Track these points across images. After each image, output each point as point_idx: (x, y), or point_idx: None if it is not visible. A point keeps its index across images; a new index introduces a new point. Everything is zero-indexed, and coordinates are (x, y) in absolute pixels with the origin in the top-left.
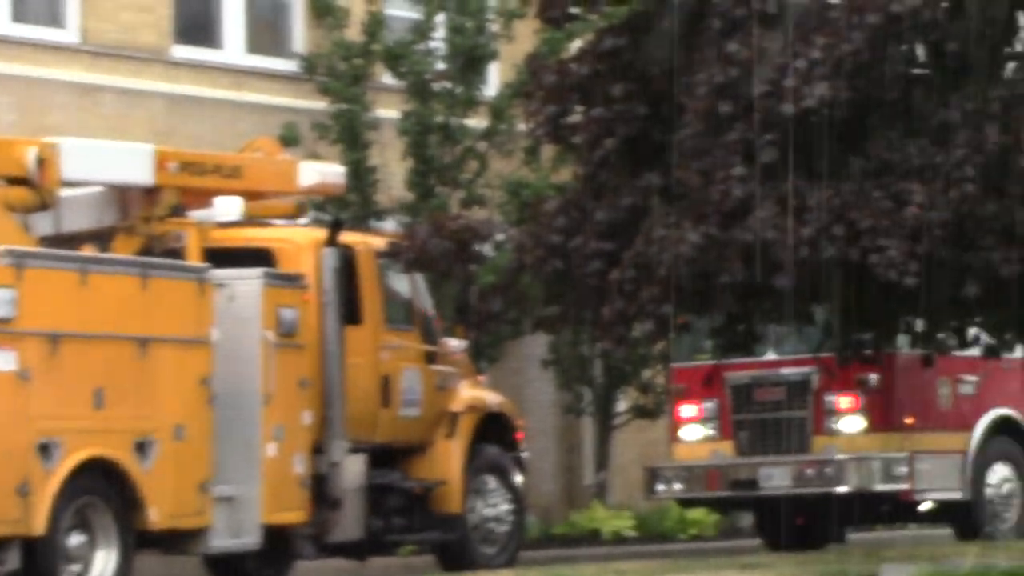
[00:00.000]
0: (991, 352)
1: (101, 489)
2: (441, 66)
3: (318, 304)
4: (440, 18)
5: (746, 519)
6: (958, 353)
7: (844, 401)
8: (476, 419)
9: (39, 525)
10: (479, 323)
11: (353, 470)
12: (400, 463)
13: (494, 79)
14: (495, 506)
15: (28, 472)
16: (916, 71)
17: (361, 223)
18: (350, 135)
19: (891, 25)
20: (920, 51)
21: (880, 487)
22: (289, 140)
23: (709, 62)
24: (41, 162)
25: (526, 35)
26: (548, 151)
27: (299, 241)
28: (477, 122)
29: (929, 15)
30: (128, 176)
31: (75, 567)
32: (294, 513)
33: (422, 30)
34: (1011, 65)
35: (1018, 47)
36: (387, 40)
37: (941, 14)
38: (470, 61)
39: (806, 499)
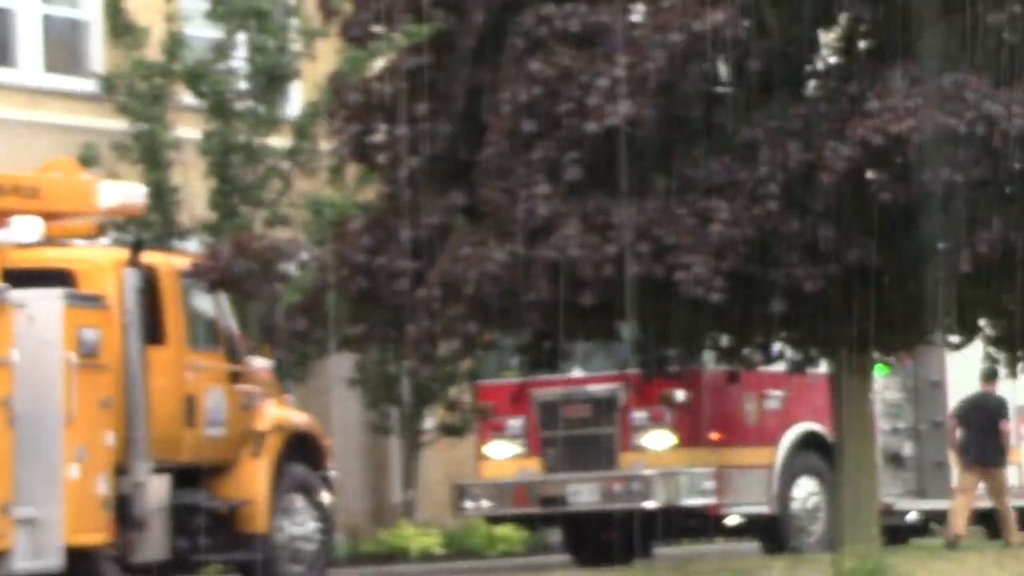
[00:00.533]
0: (796, 367)
1: None
2: (243, 85)
3: (120, 324)
4: (241, 37)
5: (555, 535)
6: (764, 369)
7: (650, 417)
8: (282, 438)
9: None
10: (284, 342)
11: (157, 490)
12: (205, 483)
13: (297, 98)
14: (302, 525)
15: None
16: (719, 89)
17: (163, 243)
18: (150, 155)
19: (693, 43)
20: (723, 69)
21: (687, 502)
22: (88, 160)
23: (512, 81)
24: None
25: (328, 54)
26: (352, 170)
27: (100, 261)
28: (280, 141)
29: (731, 33)
30: None
31: None
32: (97, 534)
33: (223, 49)
34: (812, 83)
35: (819, 65)
36: (187, 59)
37: (743, 32)
38: (272, 80)
39: (614, 515)
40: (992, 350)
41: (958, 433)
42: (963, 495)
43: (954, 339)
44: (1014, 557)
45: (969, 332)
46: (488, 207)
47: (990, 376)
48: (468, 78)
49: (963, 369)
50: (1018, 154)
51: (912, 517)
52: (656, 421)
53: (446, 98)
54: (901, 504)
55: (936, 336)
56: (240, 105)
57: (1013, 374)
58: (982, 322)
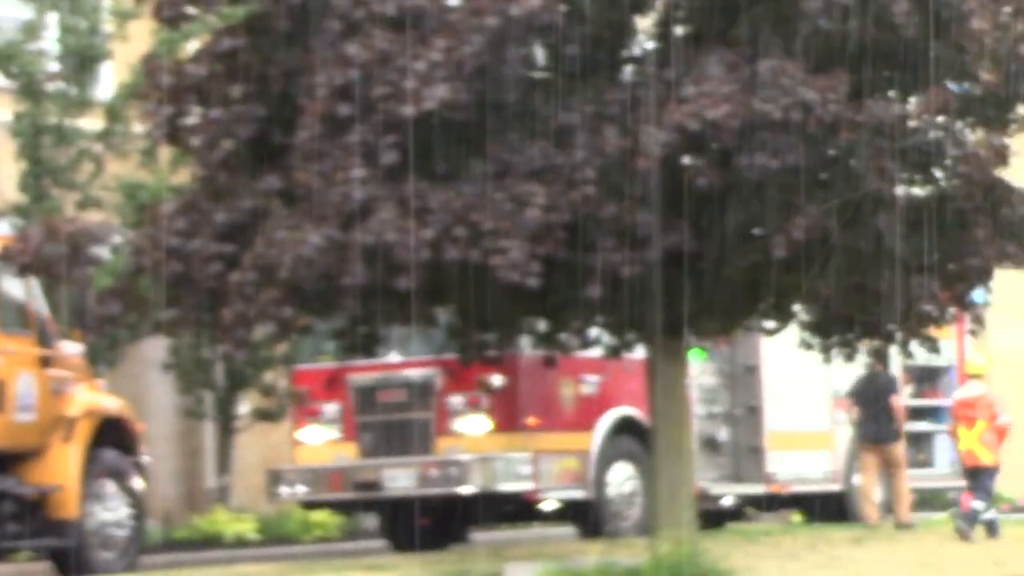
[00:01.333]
0: (612, 352)
1: None
2: (54, 66)
3: None
4: (52, 17)
5: (371, 521)
6: (580, 354)
7: (467, 402)
8: (93, 424)
9: None
10: (96, 327)
11: None
12: (15, 468)
13: (109, 80)
14: (114, 511)
15: None
16: (536, 74)
17: None
18: None
19: (510, 28)
20: (539, 54)
21: (504, 487)
22: None
23: (328, 64)
24: None
25: (141, 35)
26: (165, 153)
27: None
28: (92, 123)
29: (547, 18)
30: None
31: None
32: None
33: (33, 30)
34: (629, 68)
35: (636, 50)
36: None
37: (559, 17)
38: (84, 61)
39: (430, 500)
40: (807, 335)
41: (854, 413)
42: (867, 475)
43: (769, 324)
44: (827, 541)
45: (784, 318)
46: (303, 191)
47: (879, 356)
48: (284, 61)
49: (778, 354)
50: (833, 140)
51: (727, 502)
52: (473, 406)
53: (261, 80)
54: (717, 489)
55: (752, 321)
56: (51, 86)
57: (827, 359)
58: (797, 307)
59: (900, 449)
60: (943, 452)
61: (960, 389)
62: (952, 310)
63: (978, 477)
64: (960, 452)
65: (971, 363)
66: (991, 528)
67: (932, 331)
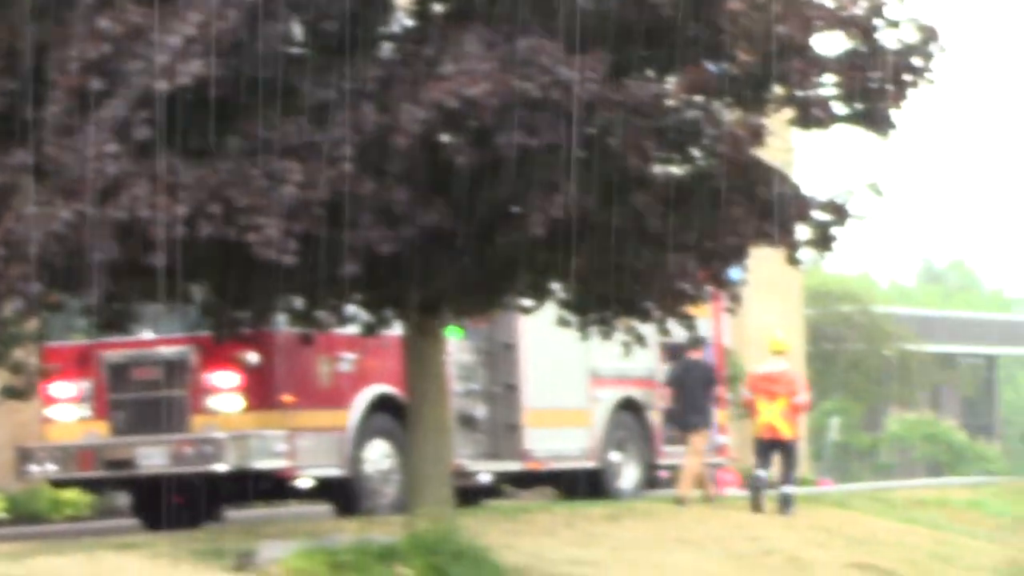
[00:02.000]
0: (369, 330)
1: None
2: None
3: None
4: None
5: (124, 499)
6: (337, 331)
7: (222, 380)
8: None
9: None
10: None
11: None
12: None
13: None
14: None
15: None
16: (293, 50)
17: None
18: None
19: (267, 3)
20: (297, 30)
21: (259, 465)
22: None
23: (80, 38)
24: None
25: None
26: None
27: None
28: None
29: None
30: None
31: None
32: None
33: None
34: (387, 45)
35: (394, 27)
36: None
37: None
38: None
39: (184, 478)
40: (565, 313)
41: (667, 399)
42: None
43: (527, 302)
44: (584, 517)
45: (542, 296)
46: (54, 166)
47: (696, 344)
48: (34, 34)
49: (536, 332)
50: (591, 119)
51: (485, 479)
52: (227, 384)
53: (10, 54)
54: (474, 466)
55: (510, 299)
56: None
57: (585, 337)
58: (555, 286)
59: (704, 437)
60: None
61: (762, 364)
62: (709, 288)
63: (780, 451)
64: (759, 425)
65: (774, 340)
66: (785, 502)
67: (689, 309)
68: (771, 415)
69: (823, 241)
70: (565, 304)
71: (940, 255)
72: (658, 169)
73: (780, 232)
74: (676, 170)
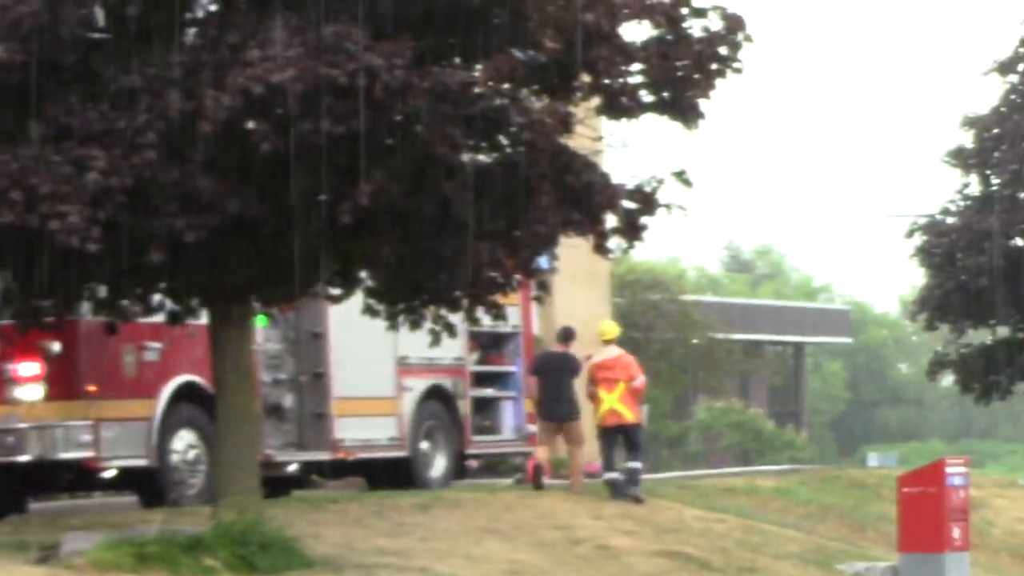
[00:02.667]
0: (175, 318)
1: None
2: None
3: None
4: None
5: None
6: (143, 320)
7: (24, 369)
8: None
9: None
10: None
11: None
12: None
13: None
14: None
15: None
16: (96, 35)
17: None
18: None
19: None
20: (100, 14)
21: (63, 455)
22: None
23: None
24: None
25: None
26: None
27: None
28: None
29: None
30: None
31: None
32: None
33: None
34: (192, 31)
35: (198, 12)
36: None
37: None
38: None
39: None
40: (373, 302)
41: (535, 390)
42: (545, 447)
43: (335, 291)
44: (393, 507)
45: (350, 284)
46: None
47: (565, 337)
48: None
49: (344, 321)
50: (398, 106)
51: (293, 469)
52: (30, 373)
53: None
54: (282, 456)
55: (317, 288)
56: None
57: (394, 327)
58: (363, 274)
59: (579, 426)
60: (509, 418)
61: (597, 353)
62: (517, 277)
63: (625, 435)
64: (603, 413)
65: (605, 327)
66: (632, 477)
67: (498, 297)
68: (613, 401)
69: (632, 229)
70: (373, 293)
71: (747, 243)
72: (466, 157)
73: (588, 220)
74: (484, 158)
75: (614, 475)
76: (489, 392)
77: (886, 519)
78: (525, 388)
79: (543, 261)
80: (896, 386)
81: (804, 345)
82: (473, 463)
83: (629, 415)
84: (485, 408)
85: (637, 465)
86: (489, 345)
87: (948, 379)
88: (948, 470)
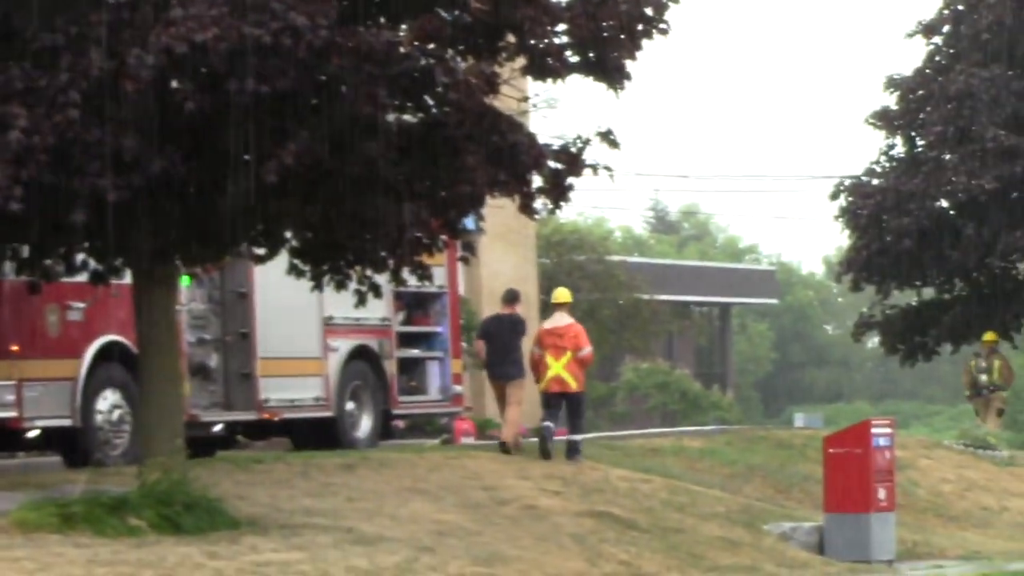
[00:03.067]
0: (98, 278)
1: None
2: None
3: None
4: None
5: None
6: (67, 279)
7: None
8: None
9: None
10: None
11: None
12: None
13: None
14: None
15: None
16: None
17: None
18: None
19: None
20: None
21: None
22: None
23: None
24: None
25: None
26: None
27: None
28: None
29: None
30: None
31: None
32: None
33: None
34: None
35: None
36: None
37: None
38: None
39: None
40: (298, 262)
41: (483, 352)
42: (498, 404)
43: (260, 251)
44: (319, 468)
45: (275, 244)
46: None
47: (511, 299)
48: None
49: (269, 280)
50: (323, 66)
51: (218, 429)
52: None
53: None
54: (208, 416)
55: (242, 248)
56: None
57: (319, 287)
58: (288, 234)
59: (522, 385)
60: (435, 378)
61: (549, 319)
62: (443, 237)
63: (568, 403)
64: (547, 380)
65: (558, 293)
66: (572, 449)
67: (424, 258)
68: (559, 368)
69: (557, 190)
70: (298, 253)
71: (673, 204)
72: (391, 117)
73: (514, 181)
74: (409, 118)
75: (547, 424)
76: (415, 352)
77: (812, 479)
78: (475, 351)
79: (469, 222)
80: (822, 347)
81: (730, 306)
82: (399, 423)
83: (574, 383)
84: (411, 369)
85: (577, 437)
86: (415, 306)
87: (874, 340)
88: (873, 431)
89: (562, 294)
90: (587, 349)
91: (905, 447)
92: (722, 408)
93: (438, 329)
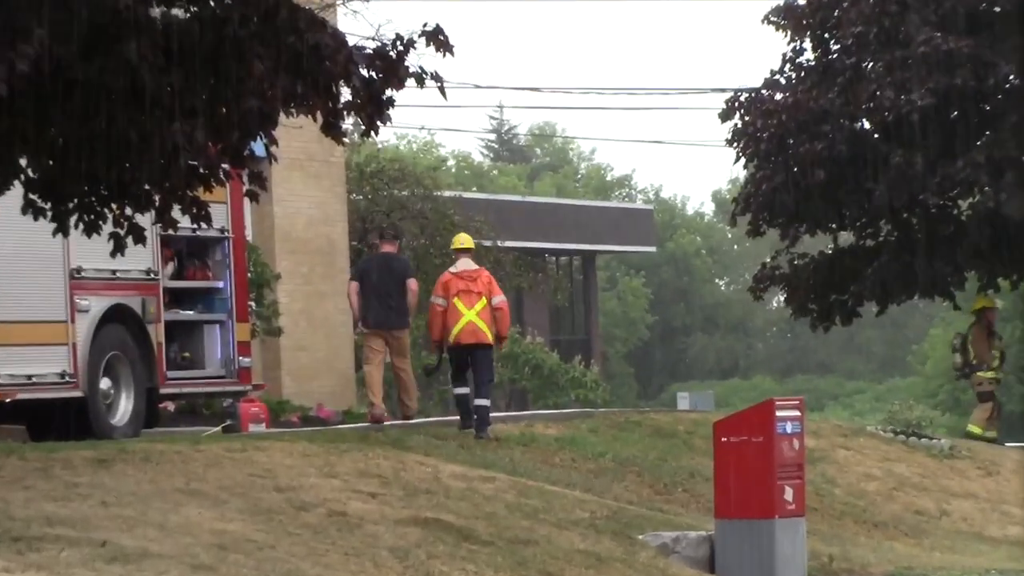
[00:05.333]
0: None
1: None
2: None
3: None
4: None
5: None
6: None
7: None
8: None
9: None
10: None
11: None
12: None
13: None
14: None
15: None
16: None
17: None
18: None
19: None
20: None
21: None
22: None
23: None
24: None
25: None
26: None
27: None
28: None
29: None
30: None
31: None
32: None
33: None
34: None
35: None
36: None
37: None
38: None
39: None
40: (36, 198)
41: (355, 298)
42: (375, 366)
43: None
44: (65, 463)
45: (6, 174)
46: None
47: (393, 236)
48: None
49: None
50: None
51: None
52: None
53: None
54: None
55: None
56: None
57: (63, 230)
58: (23, 161)
59: (407, 337)
60: (215, 348)
61: (454, 265)
62: (225, 166)
63: (478, 359)
64: (458, 330)
65: (460, 238)
66: (481, 419)
67: (200, 193)
68: (473, 316)
69: (372, 106)
70: (36, 186)
71: (522, 125)
72: (156, 11)
73: (316, 93)
74: (180, 13)
75: (464, 390)
76: (189, 314)
77: (700, 476)
78: (347, 294)
79: (258, 147)
80: (712, 308)
81: (595, 255)
82: (169, 406)
83: (489, 334)
84: (185, 335)
85: (485, 402)
86: (189, 255)
87: (779, 299)
88: (778, 414)
89: (466, 239)
90: (502, 297)
91: (819, 435)
92: (585, 386)
93: (218, 284)
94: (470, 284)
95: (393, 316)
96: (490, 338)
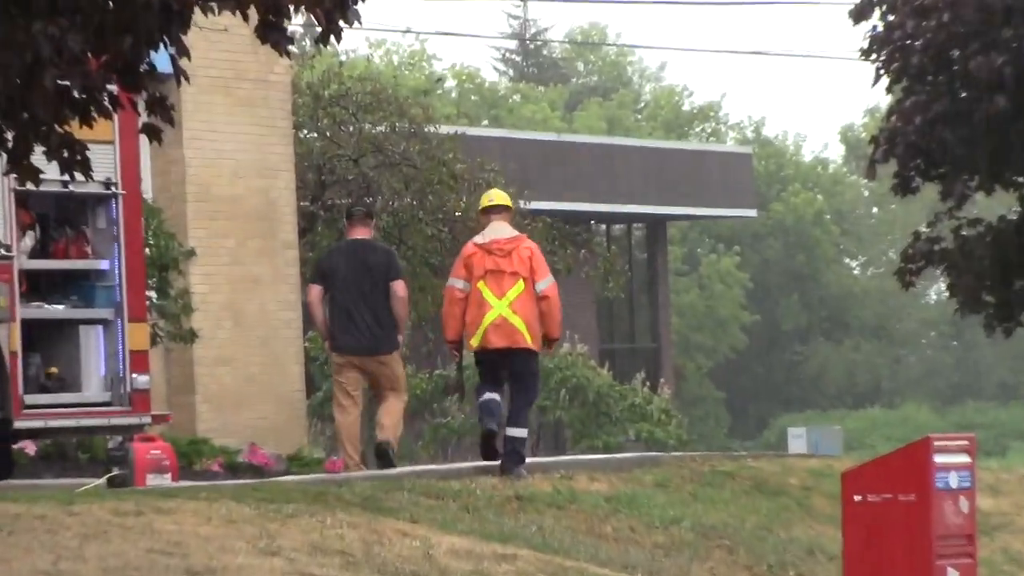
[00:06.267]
0: None
1: None
2: None
3: None
4: None
5: None
6: None
7: None
8: None
9: None
10: None
11: None
12: None
13: None
14: None
15: None
16: None
17: None
18: None
19: None
20: None
21: None
22: None
23: None
24: None
25: None
26: None
27: None
28: None
29: None
30: None
31: None
32: None
33: None
34: None
35: None
36: None
37: None
38: None
39: None
40: None
41: (318, 304)
42: (350, 417)
43: None
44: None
45: None
46: None
47: (362, 215)
48: None
49: None
50: None
51: None
52: None
53: None
54: None
55: None
56: None
57: None
58: None
59: (397, 363)
60: (97, 359)
61: (481, 233)
62: (112, 88)
63: (516, 368)
64: (483, 328)
65: (493, 194)
66: (514, 454)
67: (73, 128)
68: (503, 308)
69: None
70: None
71: (556, 27)
72: None
73: None
74: None
75: (493, 395)
76: (58, 310)
77: (822, 553)
78: (307, 303)
79: (161, 58)
80: (841, 301)
81: (667, 221)
82: (29, 447)
83: (528, 335)
84: (51, 342)
85: (521, 433)
86: (59, 221)
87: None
88: (938, 460)
89: (498, 195)
90: (550, 279)
91: (998, 490)
92: (650, 419)
93: (101, 265)
94: (502, 262)
95: (372, 335)
96: (530, 340)
